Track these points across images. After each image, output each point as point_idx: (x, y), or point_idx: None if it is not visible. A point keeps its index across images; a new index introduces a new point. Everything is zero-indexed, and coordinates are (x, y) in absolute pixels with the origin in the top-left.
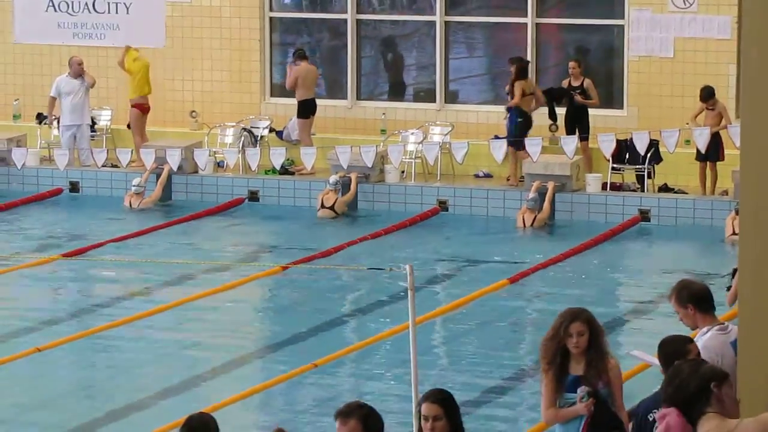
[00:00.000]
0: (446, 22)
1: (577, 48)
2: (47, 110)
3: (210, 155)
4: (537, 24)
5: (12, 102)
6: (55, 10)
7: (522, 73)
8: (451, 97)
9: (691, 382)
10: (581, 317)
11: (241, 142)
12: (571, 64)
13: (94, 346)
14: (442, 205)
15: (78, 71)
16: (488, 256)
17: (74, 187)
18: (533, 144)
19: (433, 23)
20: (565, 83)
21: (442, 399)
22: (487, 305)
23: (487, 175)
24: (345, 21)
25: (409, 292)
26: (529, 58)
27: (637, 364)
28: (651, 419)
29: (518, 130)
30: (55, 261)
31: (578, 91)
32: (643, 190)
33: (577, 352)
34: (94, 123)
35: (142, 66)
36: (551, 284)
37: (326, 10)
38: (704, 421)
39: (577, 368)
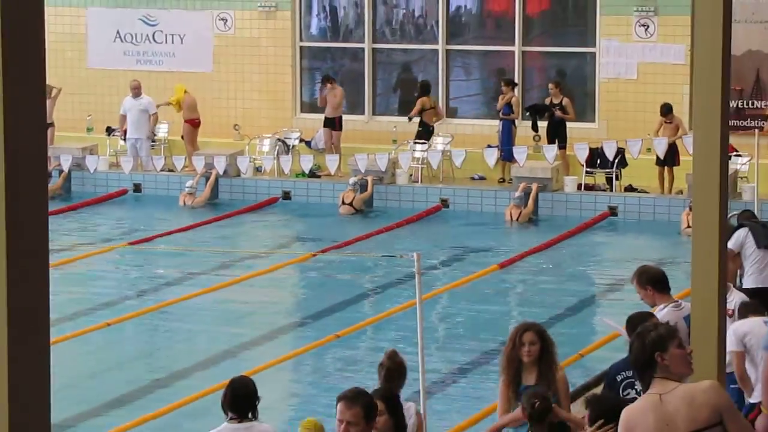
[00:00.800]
0: (447, 50)
1: (556, 71)
2: (118, 125)
3: (250, 161)
4: (523, 51)
5: (86, 117)
6: (122, 41)
7: (424, 91)
8: (451, 113)
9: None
10: (533, 328)
11: (276, 150)
12: (551, 85)
13: (155, 321)
14: (444, 203)
15: (136, 92)
16: (482, 245)
17: (137, 188)
18: (520, 151)
19: (436, 51)
20: (547, 101)
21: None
22: (479, 287)
23: (481, 178)
24: (363, 49)
25: (416, 275)
26: (516, 80)
27: (610, 333)
28: (619, 379)
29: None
30: (121, 249)
31: (557, 108)
32: (611, 190)
33: (528, 360)
34: (154, 135)
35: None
36: (534, 270)
37: (347, 40)
38: (652, 386)
39: (529, 378)
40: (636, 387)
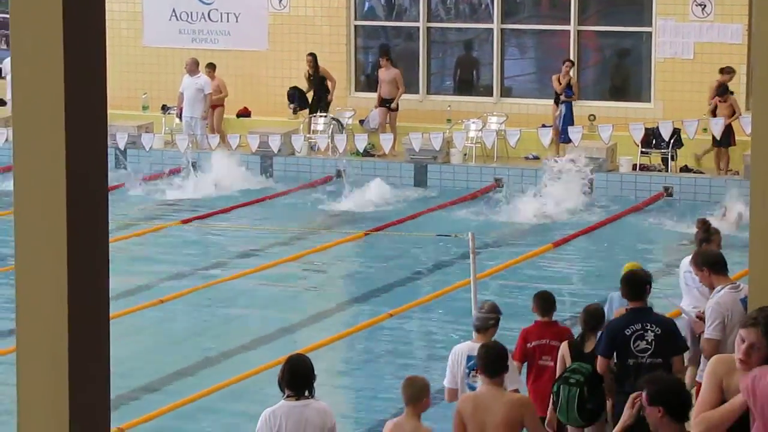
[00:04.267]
0: (502, 29)
1: (612, 51)
2: (177, 102)
3: (304, 140)
4: (578, 31)
5: (141, 95)
6: (177, 19)
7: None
8: (506, 92)
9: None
10: None
11: (331, 129)
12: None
13: (208, 299)
14: (498, 182)
15: (192, 70)
16: (535, 224)
17: (193, 166)
18: (575, 131)
19: (491, 30)
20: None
21: None
22: (533, 266)
23: (536, 157)
24: (417, 28)
25: (470, 254)
26: (572, 59)
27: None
28: (629, 333)
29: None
30: (175, 227)
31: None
32: (667, 171)
33: None
34: (206, 114)
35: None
36: (589, 249)
37: (402, 19)
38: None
39: None
40: (646, 338)
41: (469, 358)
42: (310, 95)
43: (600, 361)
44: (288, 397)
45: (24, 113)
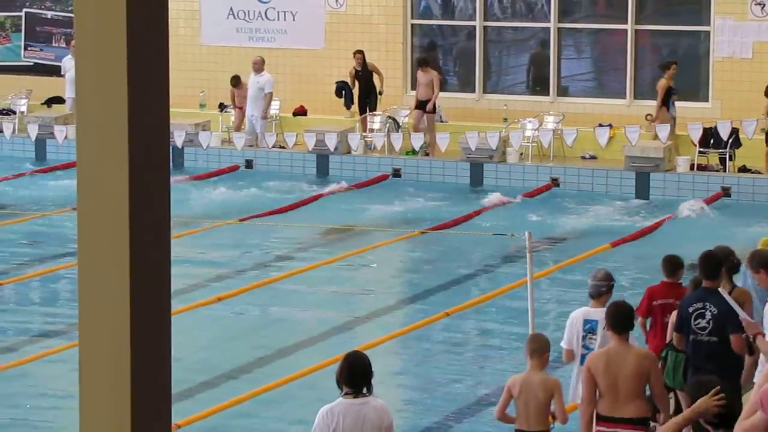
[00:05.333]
0: (559, 29)
1: (669, 50)
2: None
3: (361, 139)
4: (635, 30)
5: (199, 93)
6: (234, 18)
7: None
8: (562, 91)
9: None
10: None
11: (387, 128)
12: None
13: (265, 297)
14: (554, 182)
15: (257, 68)
16: (592, 224)
17: (249, 164)
18: (632, 131)
19: (548, 29)
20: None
21: None
22: (590, 266)
23: (592, 157)
24: (474, 27)
25: (527, 253)
26: (628, 59)
27: None
28: (691, 310)
29: None
30: (233, 224)
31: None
32: (725, 171)
33: None
34: (266, 113)
35: None
36: (646, 250)
37: (458, 18)
38: None
39: None
40: (705, 316)
41: (586, 321)
42: (355, 92)
43: (675, 336)
44: (346, 394)
45: (87, 111)
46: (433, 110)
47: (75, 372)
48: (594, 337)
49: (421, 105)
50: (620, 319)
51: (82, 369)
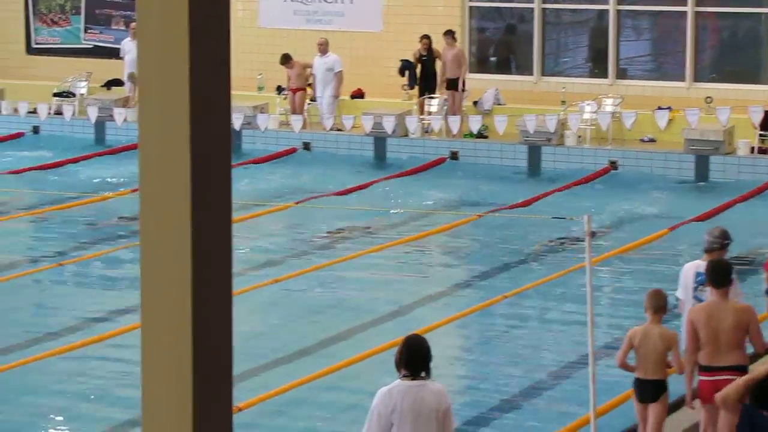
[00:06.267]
0: (618, 11)
1: (729, 32)
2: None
3: (418, 122)
4: (695, 12)
5: (257, 76)
6: (292, 1)
7: None
8: (621, 74)
9: None
10: None
11: (445, 111)
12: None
13: (322, 279)
14: (613, 165)
15: (322, 50)
16: (651, 208)
17: (306, 146)
18: (692, 113)
19: (606, 11)
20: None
21: None
22: (649, 250)
23: (651, 140)
24: (532, 9)
25: (586, 237)
26: (687, 41)
27: None
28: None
29: None
30: (290, 208)
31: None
32: None
33: None
34: (338, 93)
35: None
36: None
37: (517, 1)
38: None
39: None
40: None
41: (698, 274)
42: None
43: None
44: (404, 377)
45: (150, 94)
46: (463, 88)
47: (134, 353)
48: (705, 288)
49: (450, 84)
50: (719, 275)
51: (144, 351)
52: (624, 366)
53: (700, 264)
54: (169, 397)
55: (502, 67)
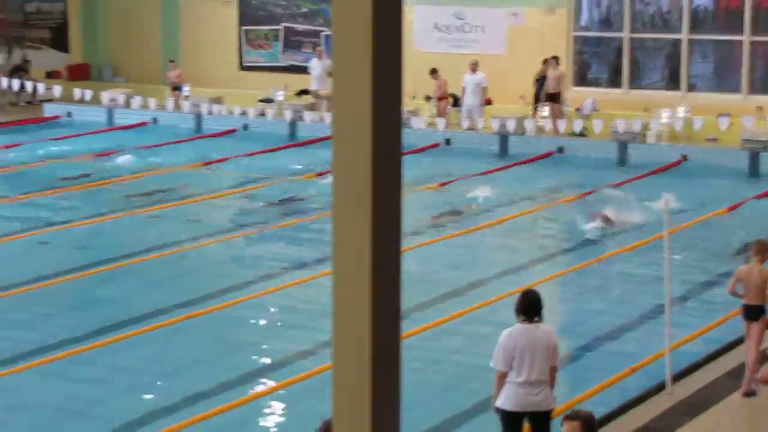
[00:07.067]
0: (689, 39)
1: None
2: (460, 93)
3: (534, 123)
4: (750, 41)
5: (411, 87)
6: (438, 31)
7: None
8: (691, 87)
9: None
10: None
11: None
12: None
13: (468, 242)
14: (684, 158)
15: (473, 68)
16: (713, 193)
17: (447, 142)
18: (747, 119)
19: (680, 40)
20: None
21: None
22: (702, 228)
23: (714, 139)
24: (621, 38)
25: (665, 215)
26: (743, 62)
27: None
28: None
29: None
30: (432, 189)
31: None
32: None
33: None
34: (484, 103)
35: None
36: (761, 211)
37: (610, 30)
38: None
39: None
40: None
41: None
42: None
43: None
44: (522, 321)
45: (341, 104)
46: (561, 101)
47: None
48: None
49: (550, 98)
50: None
51: (335, 281)
52: (733, 293)
53: None
54: (356, 352)
55: (599, 82)
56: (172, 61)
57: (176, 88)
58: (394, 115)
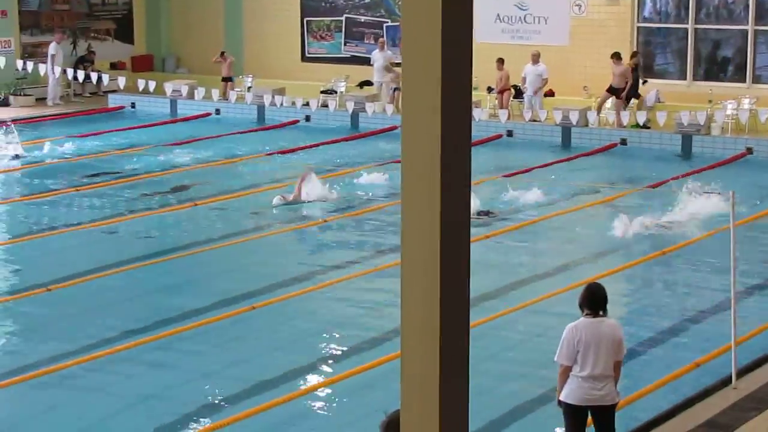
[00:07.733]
0: (755, 30)
1: None
2: (521, 83)
3: (597, 115)
4: None
5: (473, 78)
6: (500, 22)
7: None
8: (756, 79)
9: None
10: None
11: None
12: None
13: (524, 235)
14: (749, 150)
15: (535, 59)
16: None
17: (510, 134)
18: None
19: (746, 30)
20: None
21: None
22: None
23: None
24: (686, 29)
25: (731, 209)
26: None
27: None
28: None
29: None
30: (495, 179)
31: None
32: None
33: None
34: (543, 94)
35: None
36: None
37: (674, 22)
38: None
39: None
40: None
41: None
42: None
43: None
44: (587, 314)
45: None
46: (625, 97)
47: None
48: None
49: (612, 90)
50: None
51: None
52: None
53: None
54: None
55: (663, 73)
56: (223, 53)
57: (226, 79)
58: (464, 107)
